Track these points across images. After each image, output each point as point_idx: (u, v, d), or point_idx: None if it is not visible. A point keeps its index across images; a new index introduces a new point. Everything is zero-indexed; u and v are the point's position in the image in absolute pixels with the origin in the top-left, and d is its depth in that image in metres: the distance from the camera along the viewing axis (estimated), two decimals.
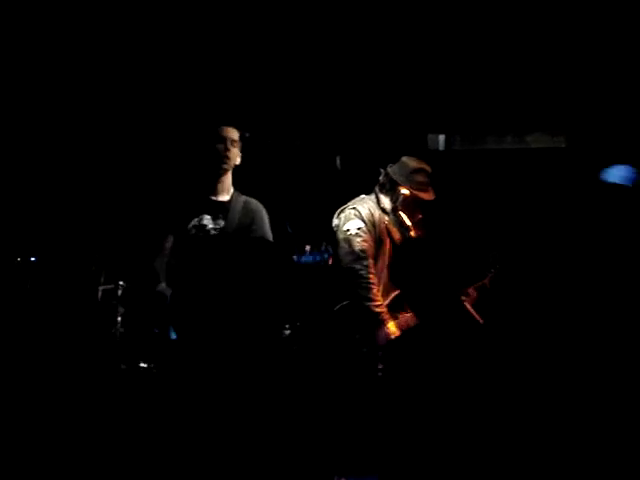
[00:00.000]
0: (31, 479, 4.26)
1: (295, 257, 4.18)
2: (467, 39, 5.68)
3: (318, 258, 4.57)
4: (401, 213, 4.76)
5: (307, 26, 5.58)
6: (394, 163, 4.85)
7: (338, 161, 5.91)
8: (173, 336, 4.13)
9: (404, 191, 4.73)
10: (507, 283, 5.00)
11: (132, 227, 5.18)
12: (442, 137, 6.12)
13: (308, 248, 4.25)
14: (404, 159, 4.82)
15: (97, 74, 5.57)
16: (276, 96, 5.76)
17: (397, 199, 4.75)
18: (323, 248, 4.53)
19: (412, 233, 4.75)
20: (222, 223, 4.28)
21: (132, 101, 5.60)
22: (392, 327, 4.60)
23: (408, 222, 4.74)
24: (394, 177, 4.76)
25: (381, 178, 4.84)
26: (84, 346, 4.86)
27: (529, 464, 4.64)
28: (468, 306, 4.71)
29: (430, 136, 6.10)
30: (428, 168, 4.80)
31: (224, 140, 4.27)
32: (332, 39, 5.63)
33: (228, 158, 4.28)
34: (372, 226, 4.70)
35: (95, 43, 5.47)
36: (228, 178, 4.37)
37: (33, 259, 4.89)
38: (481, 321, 4.67)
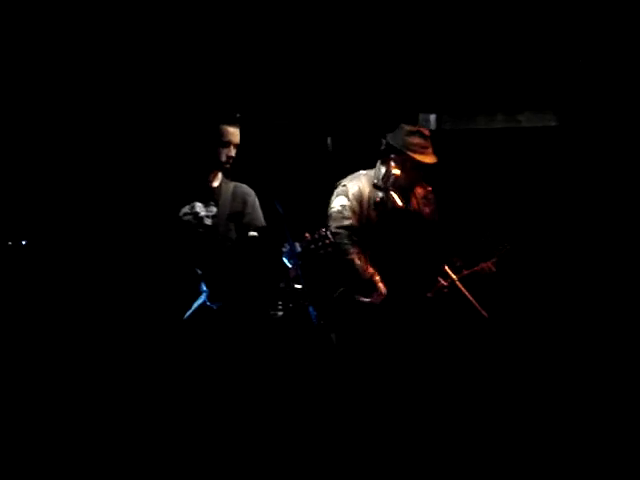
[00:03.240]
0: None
1: (288, 246, 4.07)
2: (457, 18, 5.65)
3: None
4: (392, 194, 4.73)
5: (295, 7, 5.55)
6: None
7: (329, 142, 5.89)
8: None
9: (395, 171, 4.70)
10: (504, 265, 4.98)
11: (124, 211, 5.16)
12: (433, 116, 6.09)
13: (308, 235, 4.14)
14: (401, 124, 4.80)
15: (86, 63, 5.53)
16: (267, 76, 5.73)
17: (388, 180, 4.73)
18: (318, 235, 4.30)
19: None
20: (214, 210, 4.32)
21: (122, 86, 5.56)
22: (383, 287, 4.64)
23: (399, 203, 4.72)
24: (390, 141, 4.73)
25: (382, 147, 4.83)
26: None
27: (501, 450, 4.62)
28: (470, 297, 4.65)
29: (421, 116, 6.07)
30: (425, 130, 4.75)
31: (228, 145, 4.29)
32: (322, 20, 5.60)
33: (229, 163, 4.32)
34: (358, 203, 4.73)
35: (85, 33, 5.44)
36: None
37: (24, 242, 4.87)
38: (485, 315, 4.62)
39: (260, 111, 5.53)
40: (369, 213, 4.75)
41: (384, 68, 5.82)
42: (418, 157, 4.68)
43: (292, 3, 5.56)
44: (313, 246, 4.07)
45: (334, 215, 4.71)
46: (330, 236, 4.09)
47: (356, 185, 4.78)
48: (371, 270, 4.66)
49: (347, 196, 4.73)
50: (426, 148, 4.71)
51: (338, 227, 4.66)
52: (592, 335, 5.17)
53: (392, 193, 4.75)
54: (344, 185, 4.79)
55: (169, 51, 5.52)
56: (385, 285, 4.68)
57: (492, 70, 5.83)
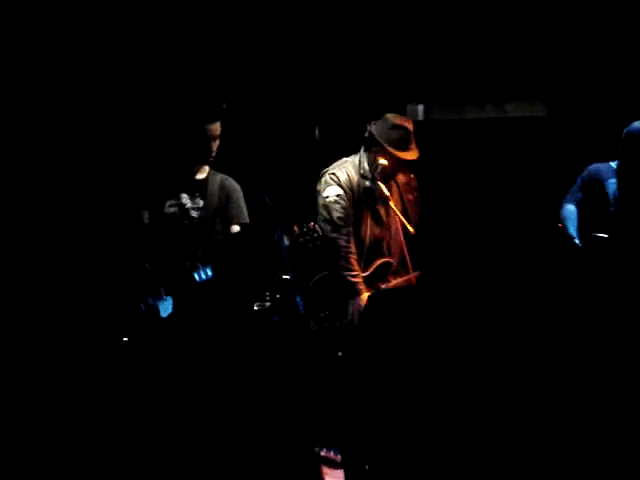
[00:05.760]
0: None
1: (278, 237, 4.02)
2: (446, 9, 5.66)
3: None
4: (380, 184, 4.72)
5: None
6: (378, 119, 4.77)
7: (317, 132, 5.90)
8: (164, 313, 4.14)
9: (382, 161, 4.69)
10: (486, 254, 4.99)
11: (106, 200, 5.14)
12: (421, 107, 6.10)
13: (296, 229, 4.03)
14: (386, 115, 4.73)
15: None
16: (255, 66, 5.72)
17: (376, 169, 4.72)
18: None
19: (391, 204, 4.73)
20: (200, 203, 4.31)
21: (105, 80, 5.53)
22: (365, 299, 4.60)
23: (387, 193, 4.72)
24: (374, 133, 4.69)
25: (366, 135, 4.77)
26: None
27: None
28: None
29: (409, 106, 6.08)
30: (410, 125, 4.68)
31: (210, 139, 4.27)
32: (309, 10, 5.60)
33: (212, 155, 4.31)
34: (350, 192, 4.67)
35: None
36: None
37: None
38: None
39: (248, 102, 5.52)
40: (359, 201, 4.71)
41: (372, 58, 5.83)
42: (398, 154, 4.64)
43: None
44: (302, 239, 4.03)
45: (331, 205, 4.62)
46: (319, 230, 4.04)
47: (345, 173, 4.70)
48: (359, 277, 4.62)
49: (340, 185, 4.64)
50: (408, 143, 4.64)
51: (338, 218, 4.60)
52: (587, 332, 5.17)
53: (379, 183, 4.74)
54: (332, 173, 4.70)
55: (154, 46, 5.50)
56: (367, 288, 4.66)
57: (480, 61, 5.84)
